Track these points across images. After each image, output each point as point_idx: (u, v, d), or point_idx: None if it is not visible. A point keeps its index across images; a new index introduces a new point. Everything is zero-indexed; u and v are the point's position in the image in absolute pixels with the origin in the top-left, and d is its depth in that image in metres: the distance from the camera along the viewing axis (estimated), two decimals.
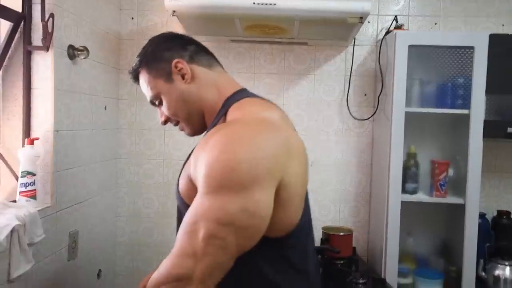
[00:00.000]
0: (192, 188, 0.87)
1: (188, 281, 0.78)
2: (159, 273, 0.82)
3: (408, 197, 1.93)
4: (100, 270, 2.01)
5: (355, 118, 2.18)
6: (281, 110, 1.00)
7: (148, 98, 1.08)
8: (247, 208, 0.78)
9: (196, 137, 1.06)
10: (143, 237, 2.21)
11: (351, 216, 2.21)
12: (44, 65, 1.52)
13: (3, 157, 1.50)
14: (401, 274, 1.91)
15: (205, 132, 1.05)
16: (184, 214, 0.94)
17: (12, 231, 1.26)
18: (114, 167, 2.17)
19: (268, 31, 1.89)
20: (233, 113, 0.92)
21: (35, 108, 1.53)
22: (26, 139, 1.45)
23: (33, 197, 1.44)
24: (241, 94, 1.01)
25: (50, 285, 1.54)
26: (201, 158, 0.83)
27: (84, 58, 1.68)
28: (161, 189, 2.21)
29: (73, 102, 1.68)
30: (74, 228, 1.72)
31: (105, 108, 2.01)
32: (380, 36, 2.11)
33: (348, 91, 2.17)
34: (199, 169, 0.83)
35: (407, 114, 1.88)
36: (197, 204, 0.81)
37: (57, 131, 1.56)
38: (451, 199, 1.93)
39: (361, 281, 1.74)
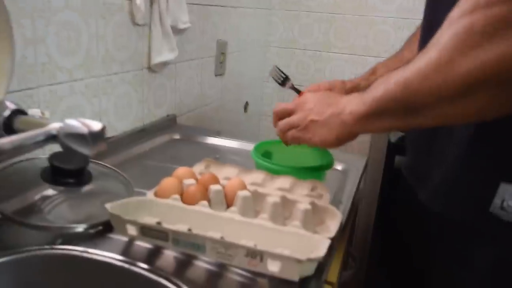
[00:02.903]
0: None
1: None
2: None
3: None
4: (247, 103, 1.72)
5: None
6: None
7: None
8: None
9: None
10: (296, 74, 1.83)
11: None
12: None
13: None
14: None
15: None
16: None
17: (151, 1, 0.94)
18: None
19: None
20: None
21: None
22: None
23: None
24: None
25: (196, 98, 1.27)
26: None
27: None
28: (323, 13, 1.73)
29: None
30: (222, 37, 1.38)
31: None
32: None
33: None
34: None
35: None
36: None
37: None
38: None
39: None
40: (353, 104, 0.56)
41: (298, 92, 0.84)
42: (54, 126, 0.48)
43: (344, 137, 0.58)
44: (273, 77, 0.89)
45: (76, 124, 0.47)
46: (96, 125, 0.47)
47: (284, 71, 0.88)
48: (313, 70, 1.79)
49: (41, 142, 0.47)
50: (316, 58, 1.78)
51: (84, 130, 0.47)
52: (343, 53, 1.72)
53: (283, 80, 0.88)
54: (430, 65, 0.44)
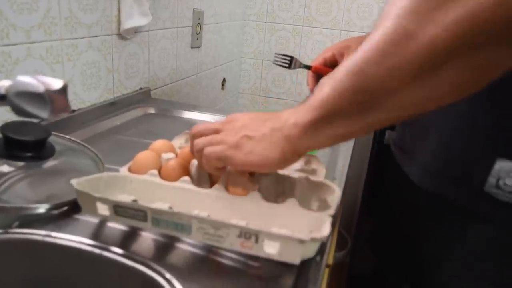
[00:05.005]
0: None
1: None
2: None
3: None
4: (224, 80, 1.64)
5: None
6: None
7: None
8: None
9: None
10: (276, 50, 1.76)
11: None
12: None
13: None
14: None
15: None
16: None
17: None
18: None
19: None
20: None
21: None
22: None
23: None
24: None
25: (172, 71, 1.18)
26: None
27: None
28: None
29: None
30: (199, 7, 1.29)
31: None
32: None
33: None
34: None
35: None
36: None
37: None
38: None
39: None
40: (297, 114, 0.43)
41: (309, 67, 0.78)
42: (2, 83, 0.39)
43: (288, 156, 0.45)
44: (279, 65, 0.82)
45: (30, 81, 0.38)
46: (56, 83, 0.39)
47: (285, 53, 0.82)
48: (293, 46, 1.71)
49: None
50: (297, 33, 1.70)
51: (40, 88, 0.38)
52: (325, 27, 1.66)
53: (290, 62, 0.81)
54: (385, 40, 0.34)
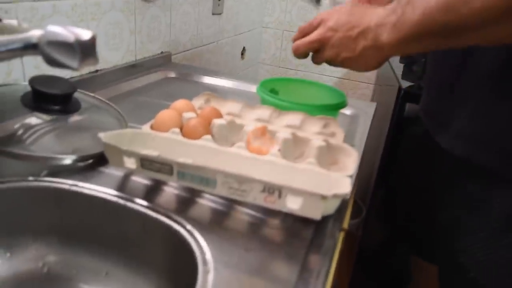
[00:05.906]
0: None
1: None
2: None
3: None
4: (244, 49, 1.63)
5: None
6: None
7: None
8: None
9: None
10: (296, 19, 1.73)
11: None
12: None
13: None
14: None
15: None
16: None
17: None
18: None
19: None
20: None
21: None
22: None
23: None
24: None
25: (192, 37, 1.17)
26: None
27: None
28: None
29: None
30: None
31: None
32: None
33: None
34: None
35: None
36: None
37: None
38: None
39: None
40: (387, 30, 0.50)
41: None
42: (34, 33, 0.40)
43: (383, 61, 0.56)
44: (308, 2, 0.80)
45: (61, 31, 0.39)
46: (85, 34, 0.39)
47: None
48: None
49: (18, 50, 0.39)
50: (320, 3, 1.67)
51: (71, 38, 0.39)
52: None
53: None
54: None
